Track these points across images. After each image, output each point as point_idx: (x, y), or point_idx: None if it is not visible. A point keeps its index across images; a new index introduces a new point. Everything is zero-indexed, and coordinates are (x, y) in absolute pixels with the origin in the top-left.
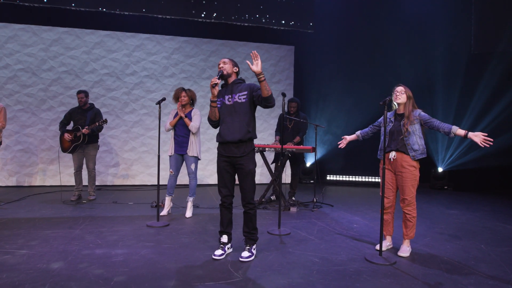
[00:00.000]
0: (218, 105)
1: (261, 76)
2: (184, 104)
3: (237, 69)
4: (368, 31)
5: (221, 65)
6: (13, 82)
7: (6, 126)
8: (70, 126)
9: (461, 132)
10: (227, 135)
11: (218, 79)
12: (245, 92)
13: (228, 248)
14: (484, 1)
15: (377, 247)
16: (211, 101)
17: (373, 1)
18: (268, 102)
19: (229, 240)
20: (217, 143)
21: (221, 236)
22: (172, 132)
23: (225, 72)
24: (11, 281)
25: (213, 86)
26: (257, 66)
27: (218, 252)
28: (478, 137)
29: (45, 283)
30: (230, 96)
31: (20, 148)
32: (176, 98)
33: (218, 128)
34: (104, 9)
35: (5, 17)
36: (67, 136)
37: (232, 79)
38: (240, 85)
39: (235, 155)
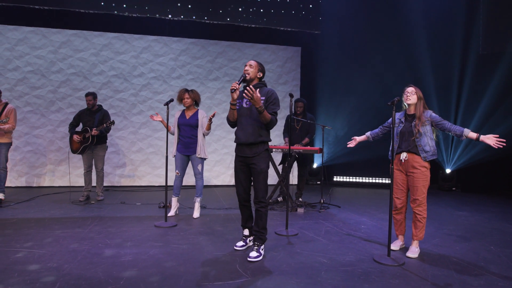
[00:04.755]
0: (237, 107)
1: (259, 108)
2: (187, 105)
3: (261, 75)
4: (375, 31)
5: (246, 68)
6: (23, 84)
7: (16, 127)
8: (79, 128)
9: (473, 135)
10: (242, 137)
11: (239, 84)
12: (263, 98)
13: (250, 241)
14: (492, 1)
15: (392, 246)
16: (231, 104)
17: (380, 2)
18: (267, 128)
19: (251, 233)
20: (227, 145)
21: (243, 230)
22: (176, 133)
23: (248, 77)
24: (22, 280)
25: (233, 91)
26: (253, 100)
27: (240, 243)
28: (490, 139)
29: (56, 282)
30: (248, 99)
31: (30, 149)
32: (180, 99)
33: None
34: (115, 12)
35: (15, 20)
36: (76, 137)
37: (253, 83)
38: (259, 89)
39: (247, 155)
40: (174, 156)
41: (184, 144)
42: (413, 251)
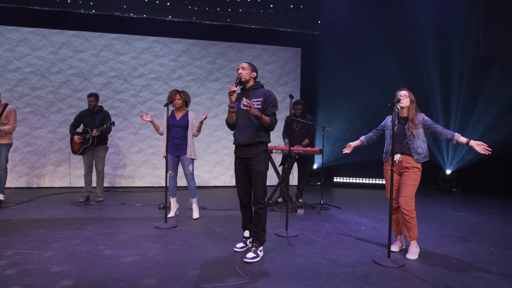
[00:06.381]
0: (235, 109)
1: (258, 116)
2: (178, 107)
3: (255, 74)
4: (375, 33)
5: (240, 71)
6: (23, 85)
7: (16, 128)
8: (80, 129)
9: (463, 139)
10: (239, 138)
11: (236, 86)
12: (260, 99)
13: (249, 242)
14: (492, 1)
15: (392, 248)
16: (229, 106)
17: (380, 3)
18: (268, 129)
19: (251, 235)
20: (227, 146)
21: (243, 231)
22: (165, 133)
23: (243, 79)
24: (22, 282)
25: (231, 93)
26: (252, 110)
27: (240, 245)
28: (479, 146)
29: (55, 284)
30: None
31: (30, 149)
32: (171, 100)
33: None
34: (116, 12)
35: (15, 20)
36: (76, 138)
37: (249, 84)
38: (256, 91)
39: (246, 156)
40: (165, 157)
41: (174, 145)
42: (413, 252)
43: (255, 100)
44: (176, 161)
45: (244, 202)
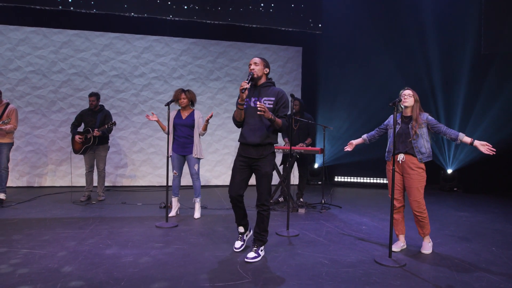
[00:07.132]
0: (245, 106)
1: (271, 119)
2: (184, 106)
3: (268, 70)
4: (376, 32)
5: (252, 67)
6: (24, 84)
7: (17, 127)
8: (81, 128)
9: (467, 139)
10: (248, 137)
11: (248, 83)
12: (272, 99)
13: (246, 236)
14: (494, 0)
15: (393, 247)
16: (239, 104)
17: (381, 2)
18: (278, 131)
19: (246, 229)
20: (228, 145)
21: (238, 227)
22: (171, 133)
23: (255, 75)
24: (23, 281)
25: (243, 91)
26: (266, 114)
27: (238, 244)
28: (484, 146)
29: (57, 283)
30: (256, 99)
31: (31, 149)
32: (176, 99)
33: (240, 129)
34: (116, 12)
35: (16, 20)
36: (77, 138)
37: (261, 81)
38: (268, 89)
39: (253, 156)
40: (170, 156)
41: (180, 144)
42: (427, 247)
43: (266, 99)
44: (181, 160)
45: (237, 202)
